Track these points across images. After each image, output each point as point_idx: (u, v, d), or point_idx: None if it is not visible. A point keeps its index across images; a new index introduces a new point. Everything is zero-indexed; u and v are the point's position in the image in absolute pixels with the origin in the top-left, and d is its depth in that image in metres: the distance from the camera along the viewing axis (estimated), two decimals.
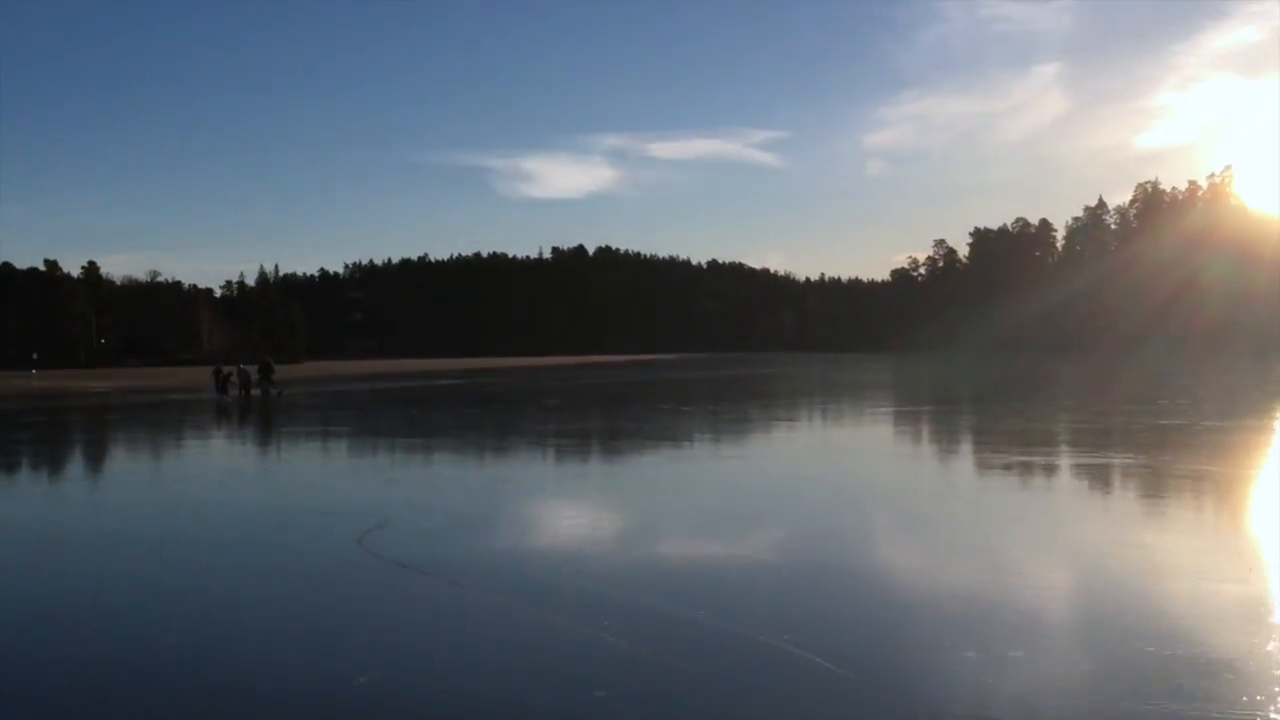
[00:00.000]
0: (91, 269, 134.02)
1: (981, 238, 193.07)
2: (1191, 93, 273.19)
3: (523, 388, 53.96)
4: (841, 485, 15.47)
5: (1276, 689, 5.59)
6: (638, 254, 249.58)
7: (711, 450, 21.20)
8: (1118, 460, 17.03)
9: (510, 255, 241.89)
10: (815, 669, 6.04)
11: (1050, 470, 16.27)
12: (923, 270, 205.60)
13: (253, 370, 45.94)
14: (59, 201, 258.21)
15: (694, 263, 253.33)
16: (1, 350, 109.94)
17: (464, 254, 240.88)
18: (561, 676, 6.07)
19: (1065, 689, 5.70)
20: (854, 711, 5.44)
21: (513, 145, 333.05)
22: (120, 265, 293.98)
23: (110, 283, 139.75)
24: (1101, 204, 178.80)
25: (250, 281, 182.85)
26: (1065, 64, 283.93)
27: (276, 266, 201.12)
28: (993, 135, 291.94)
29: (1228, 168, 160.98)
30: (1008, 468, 16.34)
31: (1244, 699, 5.44)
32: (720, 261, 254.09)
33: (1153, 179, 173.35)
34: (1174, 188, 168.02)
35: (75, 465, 20.31)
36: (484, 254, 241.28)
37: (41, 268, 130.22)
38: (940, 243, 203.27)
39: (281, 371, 50.03)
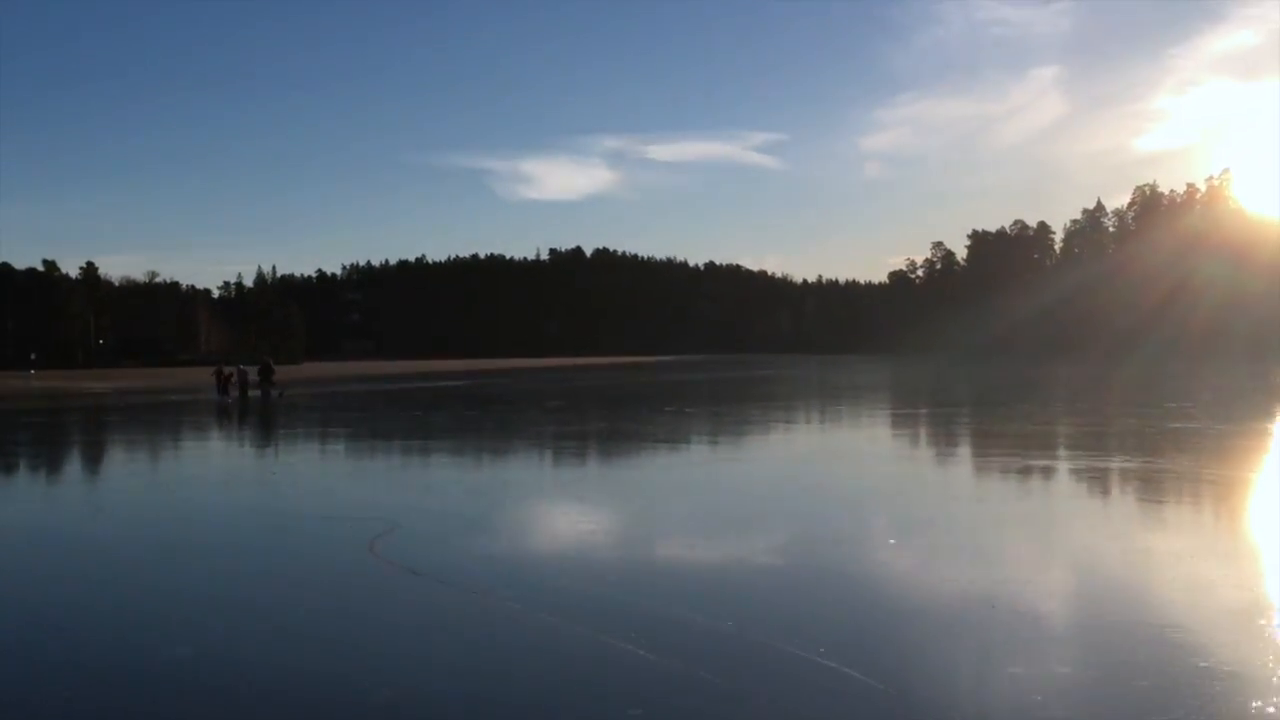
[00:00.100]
0: (90, 269, 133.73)
1: (979, 240, 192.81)
2: (1189, 96, 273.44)
3: (523, 389, 53.77)
4: (865, 491, 15.25)
5: None
6: (635, 255, 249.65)
7: (719, 453, 20.99)
8: (1152, 465, 16.88)
9: (508, 257, 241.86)
10: (853, 684, 5.85)
11: (1074, 474, 16.06)
12: (920, 272, 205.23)
13: (252, 371, 45.71)
14: (57, 202, 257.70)
15: (691, 264, 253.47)
16: None
17: (461, 255, 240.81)
18: (595, 693, 5.88)
19: (1122, 711, 5.50)
20: None
21: (511, 146, 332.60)
22: (118, 266, 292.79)
23: (108, 283, 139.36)
24: (1100, 207, 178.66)
25: (248, 282, 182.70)
26: (1063, 67, 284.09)
27: (274, 267, 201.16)
28: (990, 138, 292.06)
29: (1226, 171, 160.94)
30: (1027, 471, 16.17)
31: None
32: (718, 263, 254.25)
33: (1151, 182, 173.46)
34: (1172, 191, 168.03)
35: (76, 468, 20.07)
36: (481, 255, 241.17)
37: (40, 268, 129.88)
38: (938, 245, 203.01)
39: (280, 373, 49.76)
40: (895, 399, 43.07)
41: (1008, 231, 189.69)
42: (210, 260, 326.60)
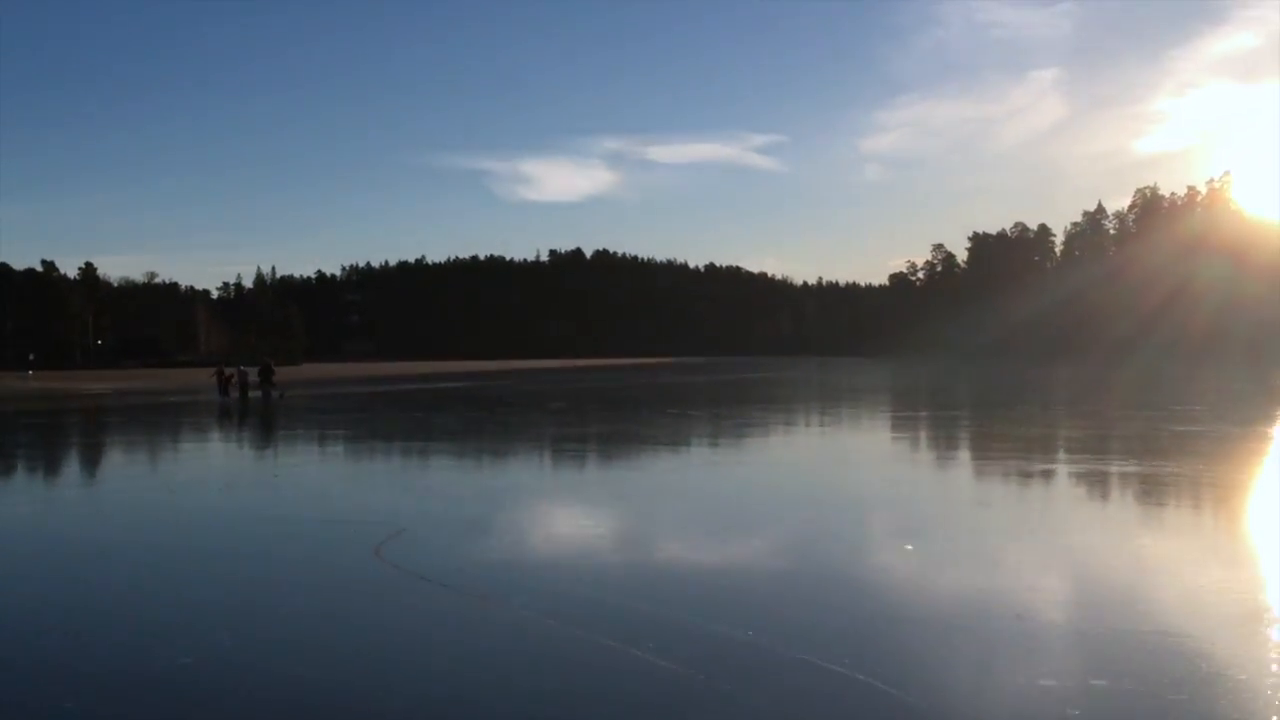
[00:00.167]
0: (89, 270, 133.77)
1: (980, 242, 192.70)
2: (1189, 98, 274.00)
3: (524, 391, 53.60)
4: (871, 494, 15.07)
5: None
6: (635, 257, 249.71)
7: (723, 455, 20.80)
8: (1163, 469, 16.72)
9: (508, 258, 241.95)
10: (881, 696, 5.68)
11: (1088, 478, 15.89)
12: (921, 274, 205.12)
13: (252, 372, 45.53)
14: (56, 202, 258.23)
15: (692, 266, 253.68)
16: None
17: (461, 256, 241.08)
18: (616, 707, 5.71)
19: None
20: None
21: (511, 148, 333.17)
22: (117, 266, 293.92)
23: (107, 284, 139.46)
24: (1100, 209, 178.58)
25: (248, 283, 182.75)
26: (1063, 69, 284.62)
27: (274, 268, 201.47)
28: (991, 140, 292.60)
29: (1226, 173, 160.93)
30: (1033, 475, 16.01)
31: None
32: (718, 265, 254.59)
33: (1151, 184, 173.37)
34: (1173, 193, 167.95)
35: (76, 470, 19.86)
36: (481, 256, 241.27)
37: (39, 269, 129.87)
38: (938, 247, 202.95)
39: (280, 374, 49.58)
40: (897, 401, 42.91)
41: (1008, 233, 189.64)
42: (210, 261, 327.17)
